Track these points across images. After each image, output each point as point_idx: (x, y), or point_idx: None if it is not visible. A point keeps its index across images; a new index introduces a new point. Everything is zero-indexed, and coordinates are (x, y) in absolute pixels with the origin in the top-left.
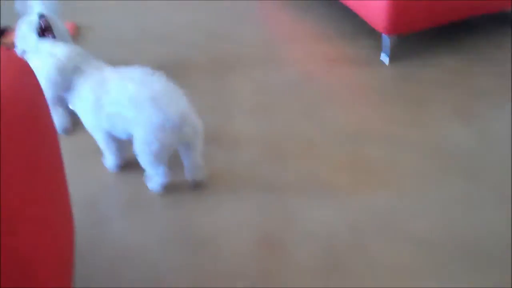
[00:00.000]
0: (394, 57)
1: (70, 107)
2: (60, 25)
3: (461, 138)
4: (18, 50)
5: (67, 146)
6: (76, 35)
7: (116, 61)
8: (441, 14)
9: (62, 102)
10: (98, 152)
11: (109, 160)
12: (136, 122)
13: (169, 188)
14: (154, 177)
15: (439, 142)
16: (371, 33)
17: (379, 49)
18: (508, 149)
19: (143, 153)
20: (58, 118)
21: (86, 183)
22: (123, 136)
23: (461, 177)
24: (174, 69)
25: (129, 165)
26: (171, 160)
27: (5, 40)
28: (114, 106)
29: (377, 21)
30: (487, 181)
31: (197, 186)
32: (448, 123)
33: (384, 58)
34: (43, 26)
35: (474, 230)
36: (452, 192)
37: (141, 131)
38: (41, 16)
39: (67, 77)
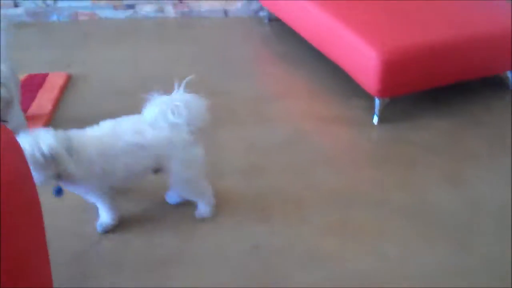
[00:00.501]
0: (385, 118)
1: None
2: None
3: (448, 203)
4: None
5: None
6: (67, 86)
7: (105, 112)
8: (435, 79)
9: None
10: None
11: (105, 217)
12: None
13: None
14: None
15: (426, 207)
16: (364, 93)
17: (371, 109)
18: (497, 216)
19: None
20: None
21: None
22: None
23: (447, 244)
24: None
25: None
26: None
27: None
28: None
29: (369, 84)
30: (474, 249)
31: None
32: (436, 187)
33: (375, 120)
34: None
35: None
36: (437, 258)
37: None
38: None
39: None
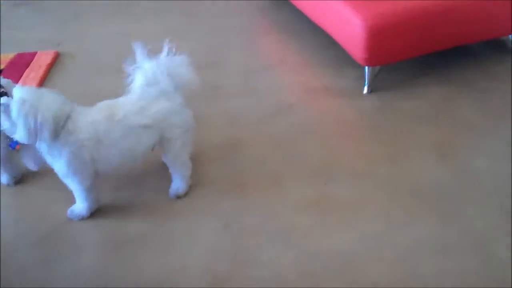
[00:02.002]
0: (376, 88)
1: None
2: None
3: (436, 176)
4: None
5: None
6: (55, 64)
7: (92, 90)
8: (428, 44)
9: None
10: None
11: (80, 207)
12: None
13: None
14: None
15: (412, 180)
16: (355, 63)
17: (362, 80)
18: (488, 190)
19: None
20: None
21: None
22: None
23: (431, 219)
24: None
25: None
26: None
27: None
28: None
29: (357, 52)
30: (458, 224)
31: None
32: (424, 159)
33: (365, 89)
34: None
35: (439, 277)
36: (419, 235)
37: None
38: None
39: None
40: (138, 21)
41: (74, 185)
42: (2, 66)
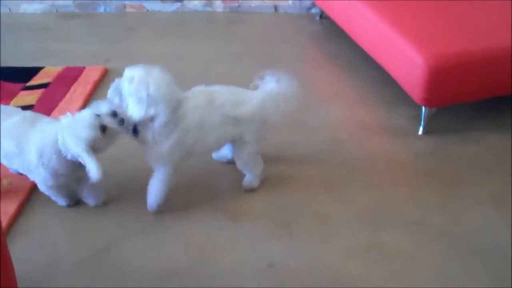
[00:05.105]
0: (432, 129)
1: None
2: None
3: (495, 232)
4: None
5: None
6: (103, 80)
7: None
8: (489, 88)
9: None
10: None
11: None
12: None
13: None
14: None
15: (468, 234)
16: (412, 102)
17: (418, 119)
18: None
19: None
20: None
21: None
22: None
23: (487, 277)
24: None
25: None
26: None
27: (35, 82)
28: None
29: (415, 92)
30: None
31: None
32: (481, 211)
33: (421, 130)
34: None
35: None
36: None
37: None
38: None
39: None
40: (188, 43)
41: (164, 168)
42: (50, 79)
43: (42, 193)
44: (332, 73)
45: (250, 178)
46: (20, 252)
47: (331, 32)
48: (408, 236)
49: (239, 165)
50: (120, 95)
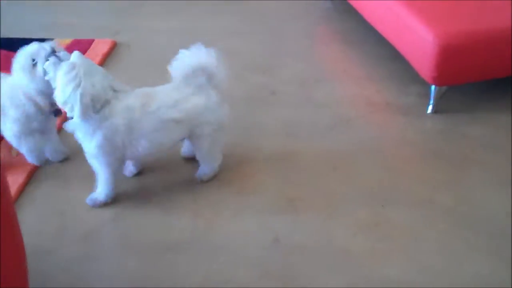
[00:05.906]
0: (441, 108)
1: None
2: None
3: (500, 211)
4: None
5: None
6: (111, 54)
7: (145, 84)
8: (500, 68)
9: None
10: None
11: (100, 192)
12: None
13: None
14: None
15: (474, 213)
16: (421, 80)
17: (427, 98)
18: None
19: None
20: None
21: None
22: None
23: (491, 257)
24: None
25: None
26: None
27: None
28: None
29: (424, 70)
30: None
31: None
32: (490, 191)
33: (430, 109)
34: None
35: None
36: (479, 272)
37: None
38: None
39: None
40: (197, 19)
41: (100, 168)
42: None
43: (49, 165)
44: (341, 50)
45: (204, 171)
46: (28, 221)
47: (342, 9)
48: (414, 214)
49: (198, 157)
50: (55, 71)
